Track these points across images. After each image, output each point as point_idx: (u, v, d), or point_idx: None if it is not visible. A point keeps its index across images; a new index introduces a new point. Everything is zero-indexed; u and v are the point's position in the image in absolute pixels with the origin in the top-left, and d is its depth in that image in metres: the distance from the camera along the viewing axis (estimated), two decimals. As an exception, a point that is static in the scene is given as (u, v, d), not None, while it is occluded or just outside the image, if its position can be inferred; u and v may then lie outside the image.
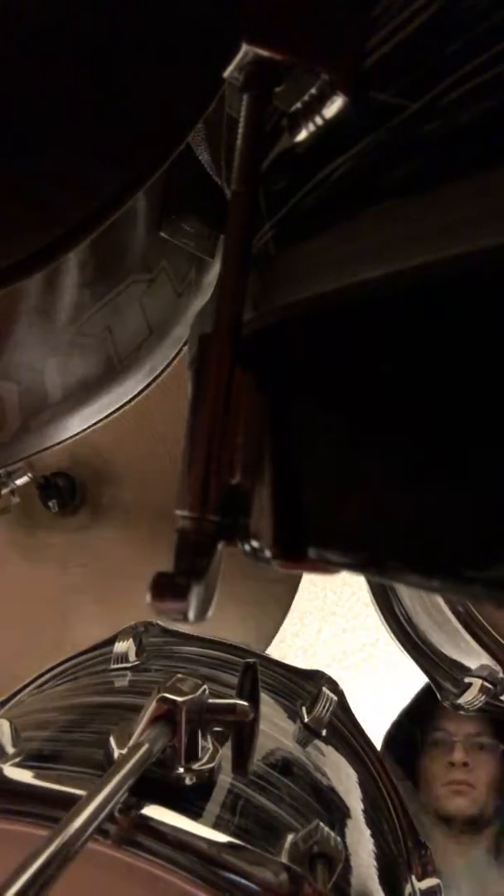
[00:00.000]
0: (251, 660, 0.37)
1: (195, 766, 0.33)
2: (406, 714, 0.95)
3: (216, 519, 0.21)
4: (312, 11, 0.22)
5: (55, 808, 0.29)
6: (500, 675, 0.67)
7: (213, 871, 0.28)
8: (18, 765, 0.33)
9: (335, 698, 0.50)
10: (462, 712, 0.71)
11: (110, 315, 0.33)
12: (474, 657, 0.68)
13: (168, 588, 0.20)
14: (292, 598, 0.81)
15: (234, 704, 0.33)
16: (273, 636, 0.81)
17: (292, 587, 0.81)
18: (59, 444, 0.37)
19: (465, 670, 0.70)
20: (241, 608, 0.75)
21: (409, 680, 0.96)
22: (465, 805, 0.86)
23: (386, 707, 0.97)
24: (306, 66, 0.22)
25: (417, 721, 0.92)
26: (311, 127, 0.23)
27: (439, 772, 0.88)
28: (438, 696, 0.74)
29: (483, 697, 0.68)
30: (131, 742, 0.31)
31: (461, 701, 0.69)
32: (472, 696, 0.68)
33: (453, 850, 0.83)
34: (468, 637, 0.65)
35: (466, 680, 0.69)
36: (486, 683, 0.67)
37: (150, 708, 0.32)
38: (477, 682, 0.68)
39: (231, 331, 0.22)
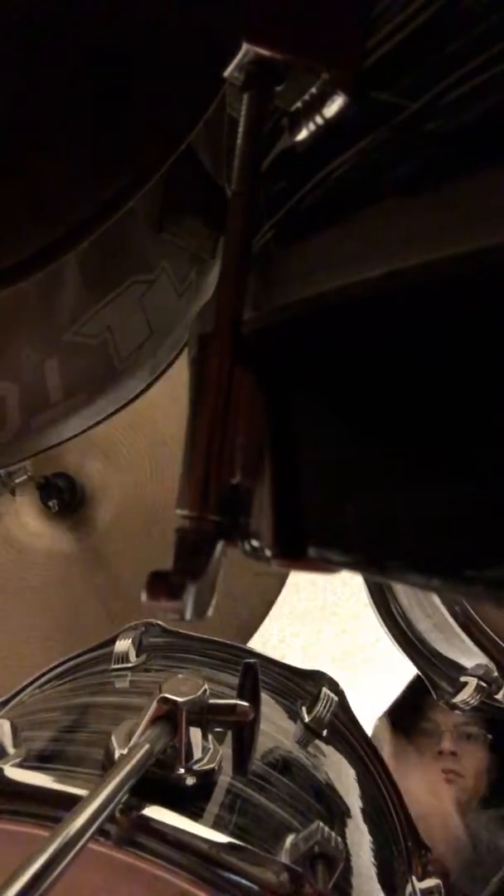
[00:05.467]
0: (251, 660, 0.37)
1: (195, 767, 0.33)
2: (395, 705, 0.96)
3: (216, 518, 0.21)
4: (312, 11, 0.22)
5: (56, 808, 0.29)
6: (495, 674, 0.67)
7: (214, 871, 0.28)
8: (19, 765, 0.33)
9: (335, 698, 0.50)
10: (458, 711, 0.71)
11: (111, 315, 0.33)
12: (470, 656, 0.68)
13: (163, 587, 0.20)
14: (279, 592, 0.80)
15: (235, 704, 0.33)
16: (255, 629, 0.80)
17: (279, 581, 0.80)
18: (59, 444, 0.37)
19: (461, 669, 0.70)
20: (222, 602, 0.75)
21: (409, 680, 0.96)
22: (453, 793, 0.86)
23: (386, 707, 0.97)
24: (307, 65, 0.22)
25: (406, 711, 0.93)
26: (312, 126, 0.23)
27: (428, 761, 0.88)
28: (434, 694, 0.74)
29: (478, 696, 0.68)
30: (132, 742, 0.31)
31: (457, 700, 0.70)
32: (467, 695, 0.69)
33: None
34: (464, 636, 0.65)
35: (462, 679, 0.69)
36: (482, 682, 0.68)
37: (151, 708, 0.32)
38: (472, 681, 0.68)
39: (231, 330, 0.22)
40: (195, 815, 0.31)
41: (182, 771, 0.32)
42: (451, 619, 0.66)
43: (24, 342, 0.32)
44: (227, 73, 0.24)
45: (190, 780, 0.33)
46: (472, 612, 0.64)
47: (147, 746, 0.29)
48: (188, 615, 0.20)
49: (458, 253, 0.17)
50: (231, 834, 0.30)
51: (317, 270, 0.21)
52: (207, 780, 0.33)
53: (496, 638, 0.65)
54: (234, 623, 0.76)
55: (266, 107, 0.23)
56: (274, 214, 0.25)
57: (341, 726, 0.53)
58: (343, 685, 0.55)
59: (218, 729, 0.33)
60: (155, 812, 0.29)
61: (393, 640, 0.79)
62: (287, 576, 0.80)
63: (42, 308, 0.31)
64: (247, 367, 0.21)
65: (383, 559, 0.19)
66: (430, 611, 0.72)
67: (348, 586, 1.30)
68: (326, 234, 0.21)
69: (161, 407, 0.69)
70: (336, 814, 0.41)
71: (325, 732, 0.49)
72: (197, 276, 0.38)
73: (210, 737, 0.34)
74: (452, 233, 0.17)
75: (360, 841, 0.41)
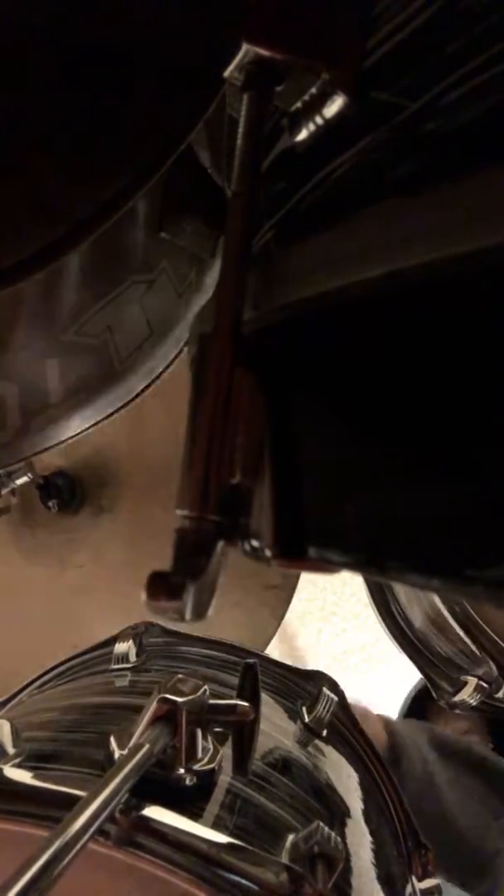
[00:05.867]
0: (251, 660, 0.37)
1: (196, 767, 0.33)
2: (400, 711, 0.96)
3: (216, 518, 0.21)
4: (313, 10, 0.22)
5: (56, 808, 0.29)
6: (495, 673, 0.67)
7: (214, 871, 0.28)
8: (19, 765, 0.33)
9: (335, 698, 0.50)
10: (457, 711, 0.71)
11: (111, 315, 0.33)
12: (470, 656, 0.69)
13: (163, 587, 0.20)
14: (287, 606, 0.81)
15: (235, 705, 0.33)
16: (267, 644, 0.80)
17: (287, 595, 0.81)
18: (59, 444, 0.37)
19: (461, 669, 0.70)
20: (234, 615, 0.75)
21: (409, 680, 0.96)
22: None
23: (386, 707, 0.97)
24: (307, 65, 0.22)
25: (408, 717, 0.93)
26: (312, 126, 0.23)
27: None
28: (434, 694, 0.74)
29: (478, 696, 0.68)
30: (132, 742, 0.31)
31: (456, 699, 0.70)
32: (467, 695, 0.69)
33: None
34: (464, 636, 0.65)
35: (462, 678, 0.69)
36: (482, 682, 0.68)
37: (151, 708, 0.32)
38: (472, 681, 0.68)
39: (231, 330, 0.22)
40: (195, 816, 0.31)
41: (182, 771, 0.32)
42: (451, 619, 0.66)
43: (24, 342, 0.32)
44: (227, 73, 0.24)
45: (190, 781, 0.33)
46: (472, 612, 0.64)
47: (147, 747, 0.29)
48: (188, 615, 0.20)
49: (458, 253, 0.17)
50: (231, 834, 0.30)
51: (317, 270, 0.21)
52: (207, 780, 0.33)
53: (496, 638, 0.65)
54: (247, 641, 0.76)
55: (266, 107, 0.23)
56: (274, 214, 0.25)
57: (341, 726, 0.53)
58: (343, 685, 0.55)
59: (218, 729, 0.33)
60: (155, 812, 0.29)
61: (393, 639, 0.79)
62: (294, 588, 0.80)
63: (42, 308, 0.31)
64: (247, 367, 0.21)
65: (383, 559, 0.19)
66: (430, 611, 0.72)
67: (348, 586, 1.31)
68: (326, 234, 0.21)
69: (161, 406, 0.69)
70: (336, 814, 0.41)
71: (324, 732, 0.49)
72: (197, 276, 0.38)
73: (210, 737, 0.34)
74: (452, 233, 0.17)
75: (360, 841, 0.41)
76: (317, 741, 0.48)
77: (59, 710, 0.44)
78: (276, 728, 0.46)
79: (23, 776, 0.31)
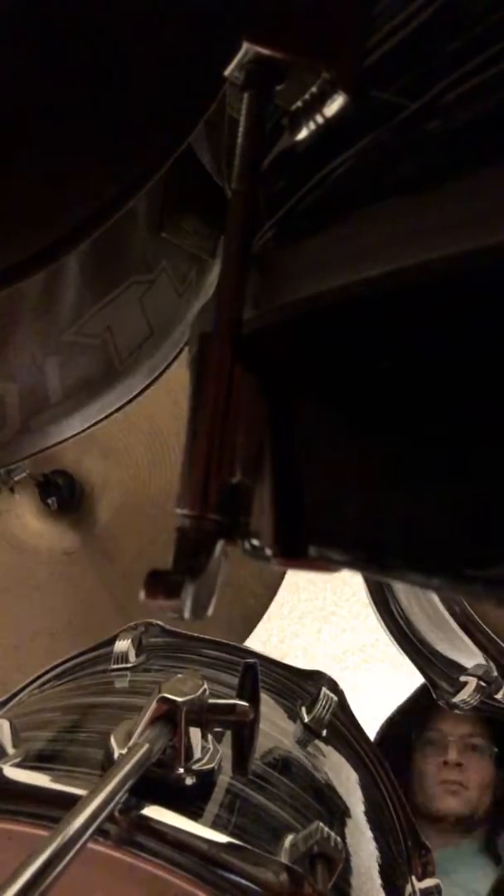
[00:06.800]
0: (251, 660, 0.37)
1: (195, 767, 0.33)
2: (400, 713, 0.96)
3: (216, 517, 0.21)
4: (313, 10, 0.22)
5: (55, 808, 0.29)
6: (495, 673, 0.67)
7: (214, 871, 0.28)
8: (19, 765, 0.33)
9: (335, 698, 0.50)
10: (457, 711, 0.71)
11: (111, 315, 0.33)
12: (470, 656, 0.69)
13: (161, 586, 0.20)
14: (283, 575, 0.80)
15: (235, 704, 0.33)
16: (261, 615, 0.80)
17: (280, 570, 0.80)
18: (59, 443, 0.37)
19: (461, 669, 0.70)
20: (228, 590, 0.75)
21: (409, 680, 0.96)
22: (457, 805, 0.86)
23: (386, 707, 0.97)
24: (307, 64, 0.22)
25: (412, 720, 0.92)
26: (312, 125, 0.23)
27: (432, 771, 0.88)
28: (434, 694, 0.74)
29: (478, 696, 0.68)
30: (131, 742, 0.31)
31: (456, 699, 0.70)
32: (467, 695, 0.69)
33: (442, 849, 0.83)
34: (464, 636, 0.65)
35: (462, 678, 0.69)
36: (481, 682, 0.68)
37: (151, 708, 0.32)
38: (472, 681, 0.68)
39: (231, 330, 0.22)
40: (195, 815, 0.31)
41: (181, 771, 0.32)
42: (450, 619, 0.66)
43: (24, 342, 0.32)
44: (227, 73, 0.24)
45: (189, 780, 0.33)
46: (471, 612, 0.64)
47: (146, 746, 0.29)
48: (187, 614, 0.20)
49: (459, 252, 0.17)
50: (230, 834, 0.30)
51: (317, 270, 0.21)
52: (207, 779, 0.33)
53: (496, 638, 0.65)
54: (239, 612, 0.76)
55: (267, 106, 0.23)
56: (274, 214, 0.25)
57: (341, 726, 0.53)
58: (343, 685, 0.55)
59: (217, 729, 0.33)
60: (154, 812, 0.29)
61: (393, 640, 0.79)
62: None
63: (42, 308, 0.31)
64: (247, 367, 0.21)
65: (384, 558, 0.19)
66: (430, 611, 0.72)
67: (348, 586, 1.31)
68: (327, 233, 0.21)
69: (159, 403, 0.69)
70: (336, 814, 0.41)
71: (324, 732, 0.49)
72: (197, 276, 0.38)
73: (210, 737, 0.34)
74: (453, 231, 0.17)
75: (359, 841, 0.41)
76: (316, 741, 0.48)
77: (59, 709, 0.44)
78: (275, 728, 0.46)
79: (23, 776, 0.31)
